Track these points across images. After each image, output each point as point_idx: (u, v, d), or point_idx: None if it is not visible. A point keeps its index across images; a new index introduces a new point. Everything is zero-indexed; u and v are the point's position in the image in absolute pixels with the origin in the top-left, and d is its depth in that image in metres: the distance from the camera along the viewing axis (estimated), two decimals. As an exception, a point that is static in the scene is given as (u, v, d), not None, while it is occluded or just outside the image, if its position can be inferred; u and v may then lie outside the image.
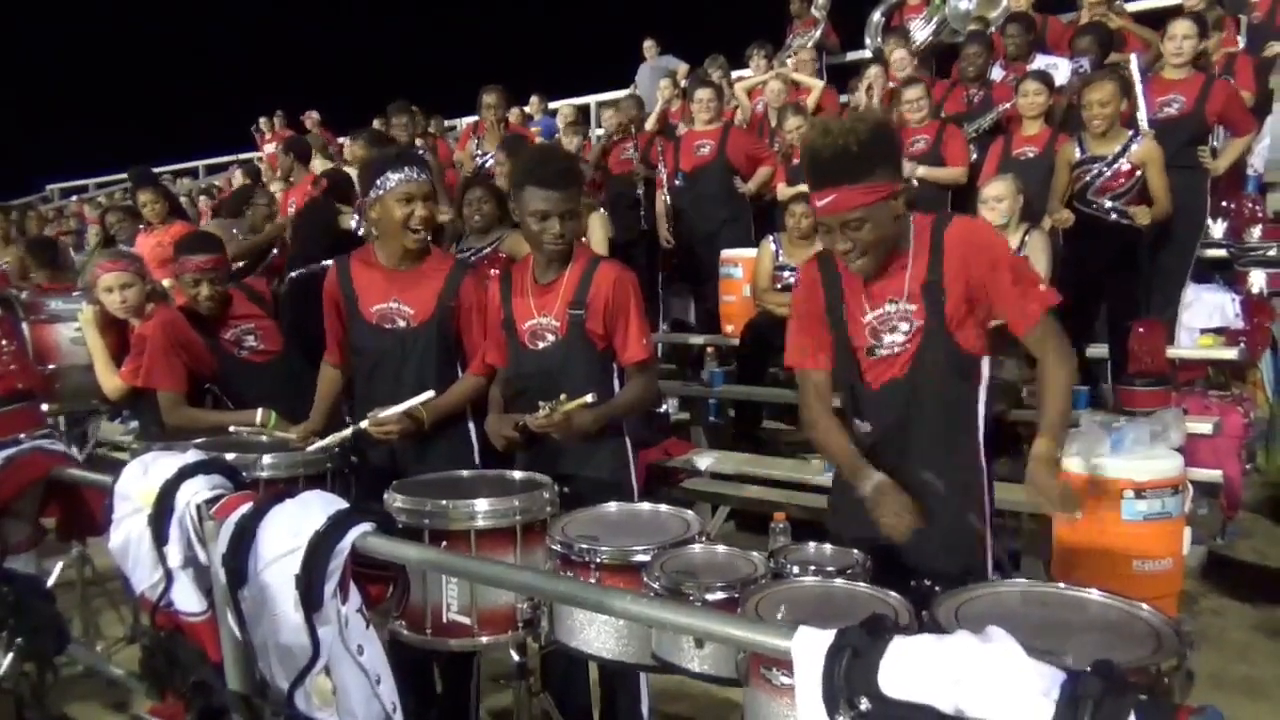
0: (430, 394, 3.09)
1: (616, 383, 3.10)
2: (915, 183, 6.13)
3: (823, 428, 2.60)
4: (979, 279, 2.35)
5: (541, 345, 3.05)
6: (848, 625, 1.37)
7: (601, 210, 6.39)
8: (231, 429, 3.50)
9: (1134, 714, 1.13)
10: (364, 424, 3.08)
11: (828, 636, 1.35)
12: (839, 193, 2.26)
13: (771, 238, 6.16)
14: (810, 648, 1.35)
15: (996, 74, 7.11)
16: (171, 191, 8.07)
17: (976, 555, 2.51)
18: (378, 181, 3.14)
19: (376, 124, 8.79)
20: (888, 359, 2.46)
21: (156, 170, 10.08)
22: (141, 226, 7.50)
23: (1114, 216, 5.07)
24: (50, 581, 4.14)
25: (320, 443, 3.13)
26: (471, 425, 3.36)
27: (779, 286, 6.02)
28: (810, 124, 2.09)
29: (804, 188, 6.43)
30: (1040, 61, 6.71)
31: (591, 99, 11.95)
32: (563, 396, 2.84)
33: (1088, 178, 5.15)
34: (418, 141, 7.80)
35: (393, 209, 3.13)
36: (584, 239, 5.92)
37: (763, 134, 7.81)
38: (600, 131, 9.91)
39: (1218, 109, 5.51)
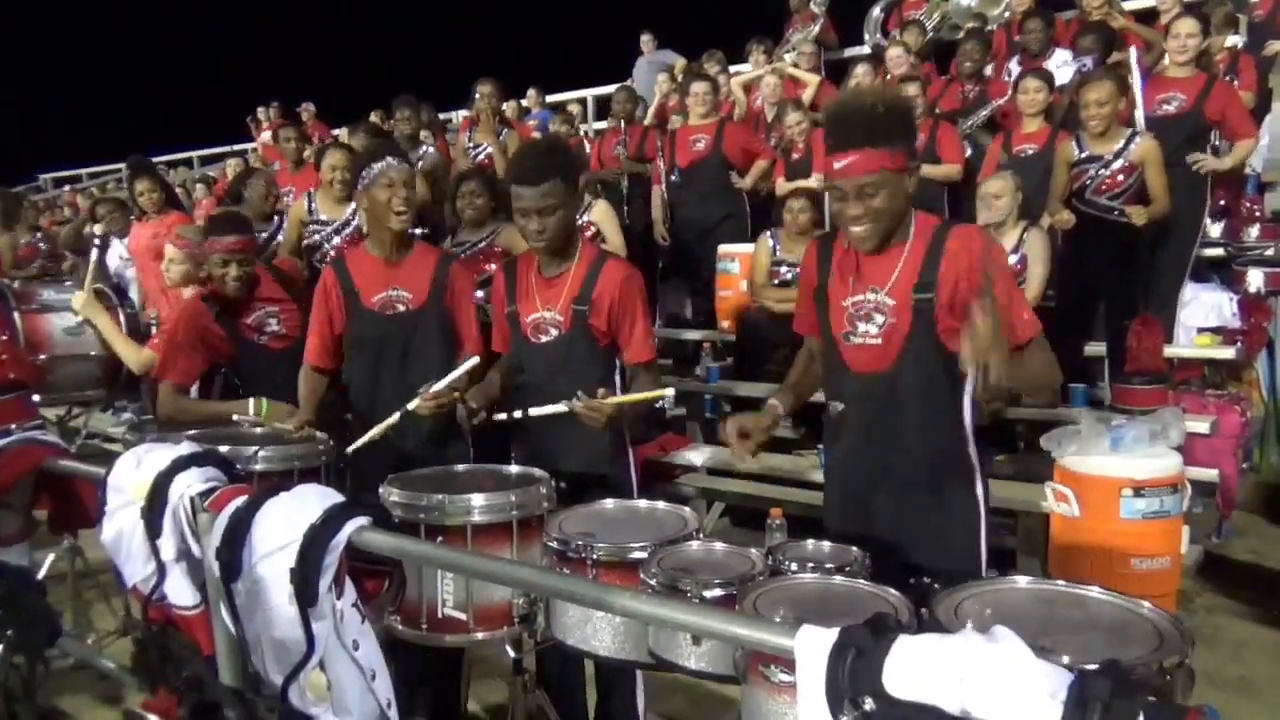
0: (475, 360, 3.08)
1: (618, 379, 3.08)
2: None
3: (792, 373, 2.78)
4: (967, 290, 2.32)
5: (544, 339, 3.04)
6: (851, 623, 1.35)
7: (604, 202, 6.32)
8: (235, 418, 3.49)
9: (1143, 716, 1.11)
10: (412, 405, 3.04)
11: (831, 635, 1.33)
12: (860, 155, 2.28)
13: (769, 233, 6.15)
14: (813, 646, 1.34)
15: (1014, 69, 7.08)
16: (168, 181, 7.99)
17: (972, 551, 2.50)
18: (364, 175, 3.35)
19: (374, 117, 8.75)
20: (866, 348, 2.46)
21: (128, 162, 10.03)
22: (134, 216, 7.46)
23: (1115, 215, 5.06)
24: (41, 574, 4.13)
25: (368, 435, 3.09)
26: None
27: (776, 282, 6.01)
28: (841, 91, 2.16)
29: (802, 183, 6.53)
30: (1059, 57, 6.69)
31: (588, 93, 11.92)
32: (601, 391, 2.83)
33: (1086, 178, 5.14)
34: (421, 134, 7.76)
35: (377, 195, 3.31)
36: (590, 232, 5.90)
37: (759, 129, 7.80)
38: (599, 126, 9.90)
39: (1218, 109, 5.51)
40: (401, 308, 3.37)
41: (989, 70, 7.34)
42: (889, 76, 7.57)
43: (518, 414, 2.89)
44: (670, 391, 2.86)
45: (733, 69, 9.07)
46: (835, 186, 2.35)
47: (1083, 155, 5.17)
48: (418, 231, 5.32)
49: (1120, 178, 5.07)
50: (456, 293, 3.41)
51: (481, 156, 7.27)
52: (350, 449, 3.10)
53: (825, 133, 2.40)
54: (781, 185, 6.85)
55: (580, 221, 5.78)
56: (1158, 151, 5.04)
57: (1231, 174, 5.82)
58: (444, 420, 3.22)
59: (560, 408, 2.81)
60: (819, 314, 2.57)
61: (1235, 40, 7.09)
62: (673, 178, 7.10)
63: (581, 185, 2.96)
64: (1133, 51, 6.03)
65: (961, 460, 2.49)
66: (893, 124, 2.30)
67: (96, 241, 6.50)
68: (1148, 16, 7.50)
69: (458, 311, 3.42)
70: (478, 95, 7.58)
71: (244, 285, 3.79)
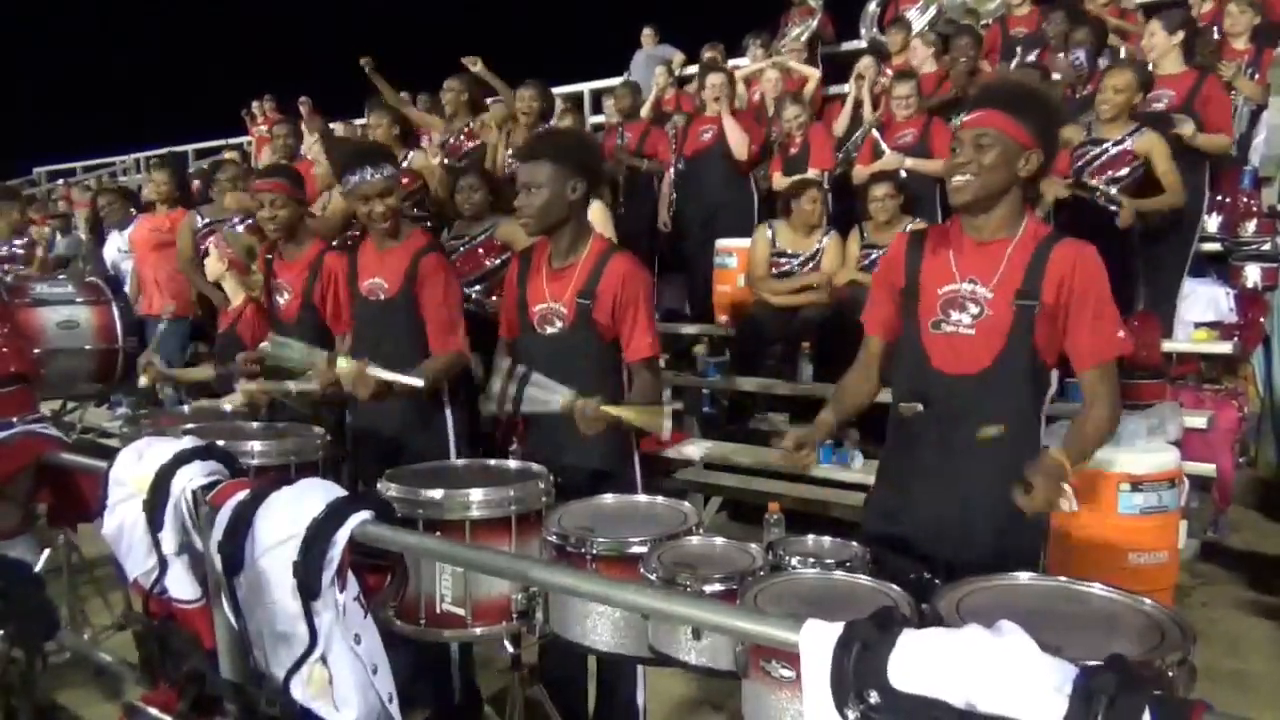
0: (419, 384, 3.21)
1: (624, 376, 3.07)
2: (904, 174, 6.12)
3: (846, 379, 2.71)
4: (1068, 299, 2.33)
5: (549, 330, 3.04)
6: (855, 618, 1.35)
7: (599, 203, 6.28)
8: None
9: (1148, 710, 1.11)
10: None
11: (835, 629, 1.34)
12: (986, 111, 2.36)
13: (767, 224, 6.15)
14: (818, 640, 1.34)
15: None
16: (187, 181, 7.95)
17: (1036, 555, 2.52)
18: (343, 181, 3.49)
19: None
20: (957, 339, 2.41)
21: (145, 155, 10.03)
22: (133, 210, 7.49)
23: (1108, 205, 5.06)
24: (37, 568, 4.12)
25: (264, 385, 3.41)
26: (449, 414, 3.50)
27: (776, 273, 6.01)
28: None
29: (802, 175, 6.50)
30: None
31: (585, 86, 11.88)
32: (597, 399, 2.78)
33: (1085, 159, 5.17)
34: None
35: (356, 207, 3.49)
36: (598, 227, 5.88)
37: (760, 122, 7.77)
38: (595, 119, 9.87)
39: (1204, 105, 5.49)
40: (381, 296, 3.49)
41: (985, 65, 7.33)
42: (886, 74, 7.57)
43: (509, 408, 2.82)
44: (667, 428, 2.84)
45: (730, 63, 9.05)
46: (958, 138, 2.40)
47: (1087, 138, 5.21)
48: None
49: (1121, 165, 5.10)
50: (424, 285, 3.43)
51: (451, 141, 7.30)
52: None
53: (973, 97, 2.52)
54: (779, 180, 6.83)
55: None
56: (1163, 144, 5.05)
57: (1228, 167, 5.82)
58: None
59: (554, 406, 2.77)
60: (905, 307, 2.51)
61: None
62: (679, 167, 7.10)
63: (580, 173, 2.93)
64: (1121, 52, 6.05)
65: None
66: (1030, 103, 2.38)
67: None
68: (1149, 14, 7.48)
69: (424, 305, 3.44)
70: (446, 89, 7.62)
71: (280, 228, 3.95)
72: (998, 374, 2.37)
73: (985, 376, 2.38)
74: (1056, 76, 6.26)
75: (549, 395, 2.78)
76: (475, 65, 7.01)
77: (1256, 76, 6.10)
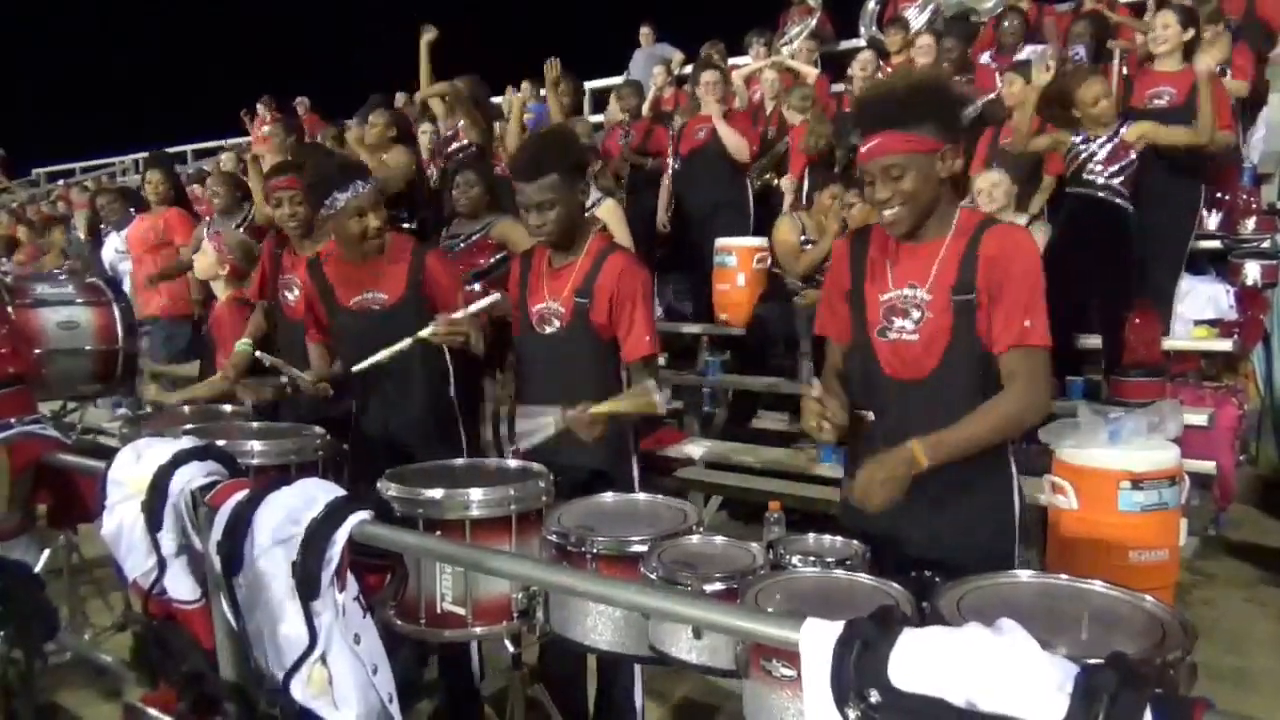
0: (495, 297, 3.17)
1: (622, 376, 3.06)
2: None
3: (824, 381, 2.60)
4: (997, 282, 2.28)
5: (548, 330, 3.03)
6: (855, 616, 1.35)
7: (612, 201, 6.25)
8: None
9: (1150, 708, 1.11)
10: (426, 331, 3.06)
11: (836, 628, 1.33)
12: (881, 137, 2.26)
13: (794, 213, 6.18)
14: (818, 639, 1.34)
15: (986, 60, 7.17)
16: (180, 180, 7.94)
17: (1008, 551, 2.43)
18: (327, 202, 3.28)
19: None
20: (902, 346, 2.38)
21: (144, 156, 10.05)
22: (132, 210, 7.48)
23: (1112, 198, 5.07)
24: (37, 569, 4.12)
25: (375, 357, 3.10)
26: (453, 388, 3.48)
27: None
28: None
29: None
30: (1026, 51, 6.73)
31: (585, 86, 11.86)
32: (581, 405, 2.77)
33: (1081, 157, 5.17)
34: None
35: (348, 225, 3.27)
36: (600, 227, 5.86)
37: (758, 122, 7.77)
38: (596, 118, 9.86)
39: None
40: (378, 307, 3.37)
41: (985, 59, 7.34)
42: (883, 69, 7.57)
43: (511, 450, 2.85)
44: (661, 402, 2.80)
45: (730, 62, 9.04)
46: (866, 171, 2.32)
47: (1077, 138, 5.22)
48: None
49: (1119, 158, 5.12)
50: (435, 281, 3.37)
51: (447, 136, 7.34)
52: (356, 368, 3.14)
53: (855, 120, 2.43)
54: (786, 184, 6.84)
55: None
56: (1152, 124, 5.10)
57: (1227, 164, 5.82)
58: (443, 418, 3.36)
59: (549, 430, 2.77)
60: (853, 314, 2.48)
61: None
62: (675, 166, 7.10)
63: (590, 175, 2.91)
64: (1116, 52, 6.05)
65: (1001, 462, 2.42)
66: (916, 105, 2.26)
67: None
68: (1139, 10, 7.49)
69: (441, 298, 3.36)
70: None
71: (299, 224, 3.92)
72: (945, 376, 2.33)
73: (933, 380, 2.34)
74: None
75: (538, 420, 2.78)
76: (429, 34, 7.03)
77: (1230, 74, 6.10)
